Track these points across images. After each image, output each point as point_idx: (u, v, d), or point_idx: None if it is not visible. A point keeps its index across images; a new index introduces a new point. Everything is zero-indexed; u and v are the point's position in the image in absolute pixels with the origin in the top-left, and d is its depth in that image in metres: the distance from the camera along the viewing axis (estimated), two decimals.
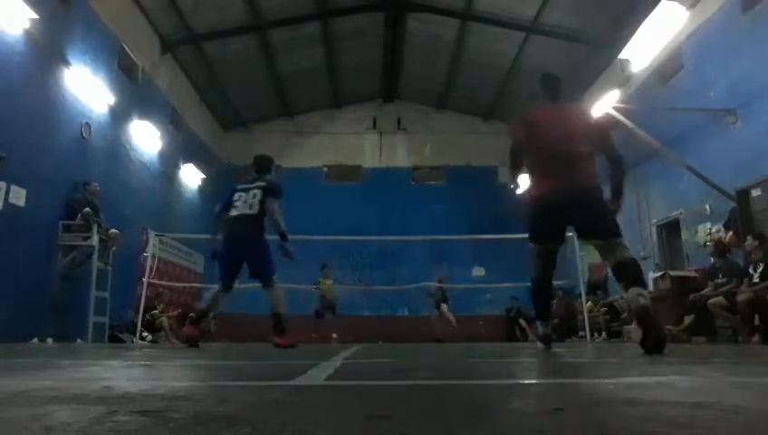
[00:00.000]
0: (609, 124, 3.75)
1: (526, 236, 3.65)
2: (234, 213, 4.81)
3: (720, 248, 6.81)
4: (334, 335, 9.93)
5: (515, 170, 3.68)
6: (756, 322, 5.75)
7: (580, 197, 3.25)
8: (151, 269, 7.76)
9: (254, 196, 4.85)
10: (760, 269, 5.88)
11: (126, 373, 1.98)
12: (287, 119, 14.44)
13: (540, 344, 3.88)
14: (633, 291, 3.00)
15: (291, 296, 11.38)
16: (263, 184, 4.97)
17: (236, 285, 4.99)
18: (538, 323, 3.91)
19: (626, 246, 3.23)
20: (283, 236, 4.80)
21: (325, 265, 10.54)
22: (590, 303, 9.62)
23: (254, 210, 4.78)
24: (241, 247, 4.75)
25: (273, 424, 0.81)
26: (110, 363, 2.57)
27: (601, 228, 3.25)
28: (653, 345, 2.79)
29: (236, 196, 4.94)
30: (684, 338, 6.65)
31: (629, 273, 3.12)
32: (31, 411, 0.87)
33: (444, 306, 10.39)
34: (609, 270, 3.38)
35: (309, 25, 10.97)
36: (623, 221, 3.56)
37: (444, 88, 13.45)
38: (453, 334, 9.85)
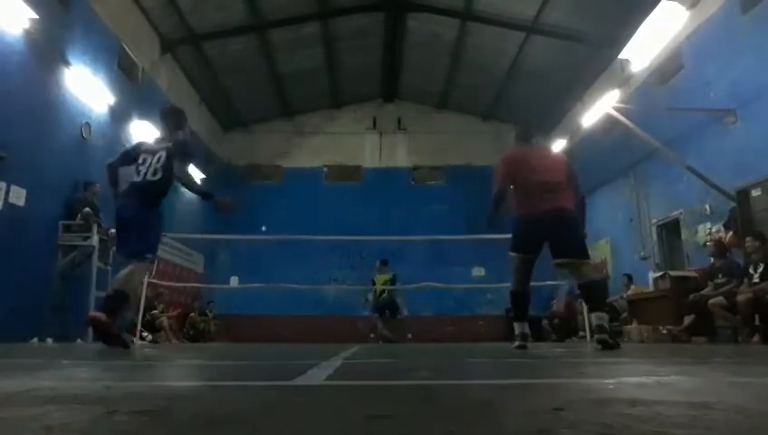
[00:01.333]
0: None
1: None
2: (135, 179, 4.04)
3: (720, 248, 6.82)
4: (409, 335, 9.63)
5: (496, 212, 4.20)
6: (756, 322, 5.75)
7: (560, 219, 3.83)
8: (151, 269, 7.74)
9: (159, 159, 4.03)
10: (760, 269, 5.88)
11: (126, 373, 1.98)
12: (287, 119, 14.44)
13: (517, 343, 4.07)
14: (595, 316, 3.75)
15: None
16: (168, 145, 4.11)
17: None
18: (516, 324, 4.17)
19: (592, 267, 3.83)
20: (206, 196, 4.19)
21: (384, 260, 9.86)
22: None
23: (158, 176, 3.99)
24: (126, 219, 4.00)
25: (273, 424, 0.81)
26: (110, 363, 2.57)
27: (573, 249, 3.83)
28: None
29: (141, 159, 4.08)
30: (684, 338, 6.65)
31: (594, 296, 3.90)
32: (31, 411, 0.87)
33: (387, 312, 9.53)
34: (577, 287, 3.99)
35: (309, 25, 10.97)
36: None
37: (444, 88, 13.45)
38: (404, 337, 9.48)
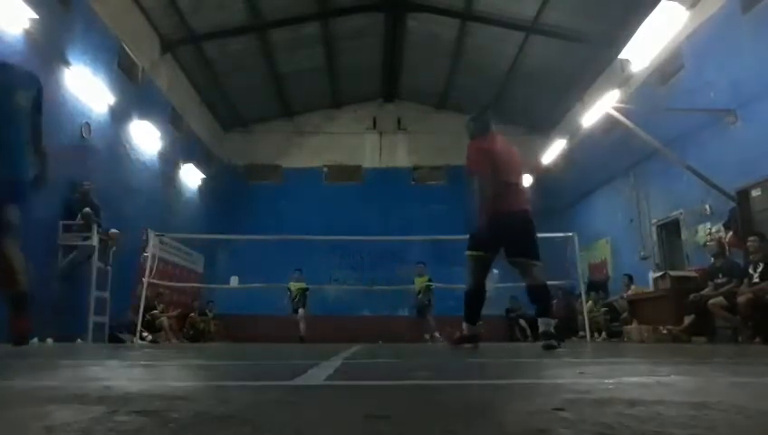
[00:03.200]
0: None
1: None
2: None
3: (721, 248, 6.82)
4: (427, 336, 9.76)
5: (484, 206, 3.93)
6: (757, 322, 5.75)
7: (524, 221, 3.91)
8: (151, 269, 7.76)
9: None
10: (760, 269, 5.88)
11: (126, 373, 1.98)
12: (287, 119, 14.45)
13: (468, 344, 4.09)
14: (542, 321, 3.84)
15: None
16: None
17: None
18: (466, 326, 4.12)
19: (541, 269, 3.89)
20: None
21: (421, 262, 10.37)
22: (590, 302, 9.62)
23: None
24: None
25: (273, 424, 0.81)
26: (110, 363, 2.57)
27: (527, 250, 3.89)
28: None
29: None
30: (684, 338, 6.65)
31: (541, 301, 3.93)
32: (31, 411, 0.87)
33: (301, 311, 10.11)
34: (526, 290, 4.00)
35: (309, 25, 10.97)
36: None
37: (444, 88, 13.45)
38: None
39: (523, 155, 13.68)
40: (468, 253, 4.01)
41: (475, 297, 4.05)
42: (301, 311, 10.12)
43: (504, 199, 3.88)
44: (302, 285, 10.28)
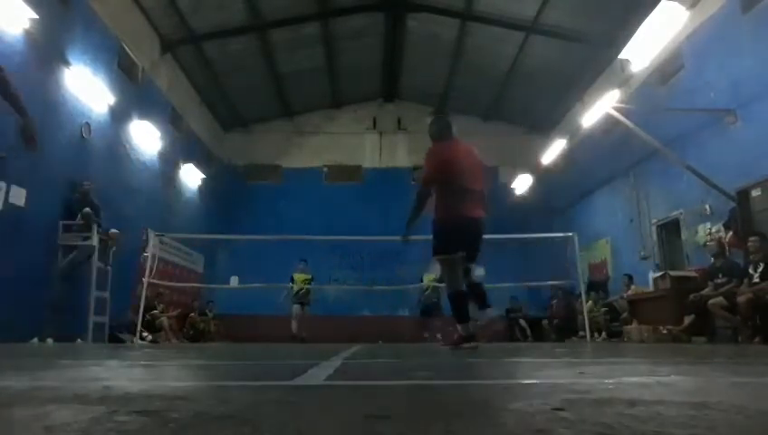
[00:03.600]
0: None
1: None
2: None
3: (720, 248, 6.82)
4: (426, 334, 9.74)
5: (418, 212, 4.20)
6: (757, 322, 5.75)
7: (477, 226, 4.06)
8: (151, 269, 7.75)
9: None
10: (760, 269, 5.88)
11: (126, 373, 1.98)
12: (287, 119, 14.45)
13: (472, 344, 3.99)
14: (488, 311, 4.16)
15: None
16: None
17: None
18: (461, 326, 4.06)
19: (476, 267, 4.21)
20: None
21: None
22: (590, 302, 9.62)
23: None
24: None
25: (273, 424, 0.81)
26: (110, 363, 2.57)
27: (477, 254, 4.14)
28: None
29: None
30: (684, 338, 6.65)
31: (481, 294, 4.19)
32: (31, 411, 0.87)
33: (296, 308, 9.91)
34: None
35: (309, 25, 10.97)
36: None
37: (444, 88, 13.45)
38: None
39: (524, 155, 13.69)
40: (440, 257, 4.06)
41: (459, 297, 4.06)
42: (296, 308, 9.77)
43: (465, 205, 3.98)
44: (308, 276, 10.06)
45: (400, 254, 12.38)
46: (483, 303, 4.14)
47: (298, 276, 10.02)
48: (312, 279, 10.15)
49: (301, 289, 9.90)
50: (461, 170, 4.02)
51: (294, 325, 9.69)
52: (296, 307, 9.84)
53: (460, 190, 3.99)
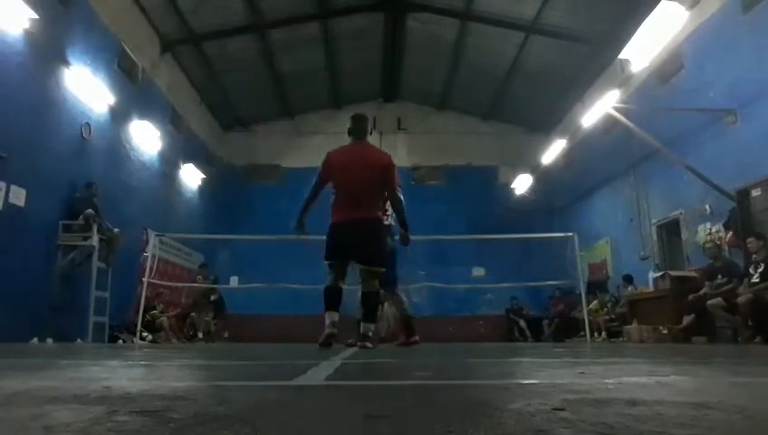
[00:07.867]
0: (394, 167, 4.34)
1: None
2: None
3: (717, 249, 6.84)
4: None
5: (304, 212, 4.34)
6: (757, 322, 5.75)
7: (361, 228, 4.04)
8: (151, 269, 7.76)
9: None
10: (760, 269, 5.88)
11: (126, 373, 1.98)
12: (287, 119, 14.43)
13: (327, 331, 3.94)
14: (364, 326, 4.16)
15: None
16: None
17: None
18: (328, 313, 4.06)
19: (378, 275, 4.15)
20: None
21: None
22: (596, 303, 9.62)
23: None
24: None
25: (273, 424, 0.81)
26: (110, 363, 2.57)
27: (368, 257, 4.08)
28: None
29: None
30: (684, 338, 6.65)
31: (370, 307, 4.21)
32: (31, 411, 0.87)
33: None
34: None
35: (309, 25, 10.96)
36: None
37: (444, 88, 13.45)
38: None
39: (524, 155, 13.65)
40: (326, 262, 4.20)
41: (334, 292, 4.12)
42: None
43: (342, 210, 4.09)
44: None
45: (400, 254, 12.39)
46: (365, 316, 4.20)
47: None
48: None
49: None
50: (348, 174, 4.11)
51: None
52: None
53: (342, 195, 4.12)
